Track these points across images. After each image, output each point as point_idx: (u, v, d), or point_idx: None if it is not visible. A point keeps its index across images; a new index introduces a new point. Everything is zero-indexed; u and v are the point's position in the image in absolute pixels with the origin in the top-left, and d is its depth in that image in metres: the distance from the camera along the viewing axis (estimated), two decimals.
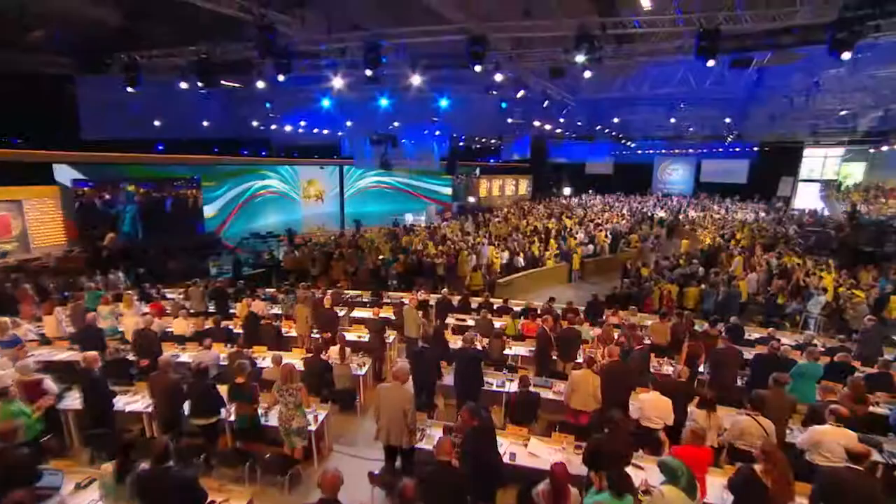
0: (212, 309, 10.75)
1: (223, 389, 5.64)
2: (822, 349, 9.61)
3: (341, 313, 10.89)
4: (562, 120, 16.24)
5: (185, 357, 7.59)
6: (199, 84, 9.92)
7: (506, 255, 16.52)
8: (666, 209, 30.19)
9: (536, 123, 17.65)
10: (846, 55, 7.95)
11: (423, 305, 10.89)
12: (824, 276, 13.15)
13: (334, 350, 7.17)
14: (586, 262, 17.66)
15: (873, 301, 11.86)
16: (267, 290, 13.08)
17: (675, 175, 36.64)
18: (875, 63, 13.14)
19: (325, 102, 14.45)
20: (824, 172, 33.13)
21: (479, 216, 26.53)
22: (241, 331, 9.17)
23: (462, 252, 15.65)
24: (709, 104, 16.03)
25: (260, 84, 10.77)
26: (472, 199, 36.60)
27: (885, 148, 27.93)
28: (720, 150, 31.17)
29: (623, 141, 26.34)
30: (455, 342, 8.88)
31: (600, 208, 30.33)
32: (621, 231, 20.84)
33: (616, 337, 7.75)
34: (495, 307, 11.29)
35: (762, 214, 28.44)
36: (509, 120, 16.89)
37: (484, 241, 18.48)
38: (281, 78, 9.31)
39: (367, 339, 8.83)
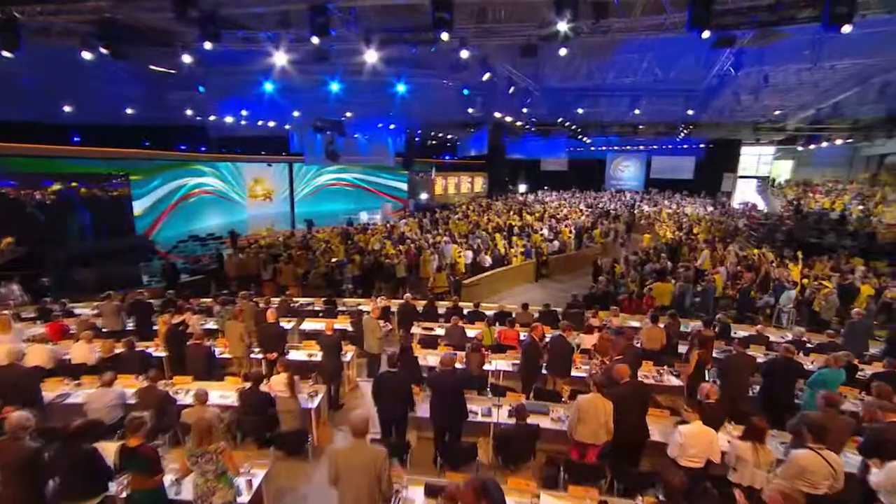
0: (132, 326, 8.76)
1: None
2: (813, 345, 8.95)
3: (289, 326, 9.18)
4: (525, 110, 15.06)
5: (78, 396, 5.73)
6: (105, 52, 7.86)
7: (470, 253, 15.21)
8: (620, 204, 29.98)
9: (498, 115, 16.47)
10: (846, 28, 7.16)
11: (384, 313, 9.37)
12: (791, 269, 12.68)
13: (279, 379, 5.53)
14: (552, 259, 16.65)
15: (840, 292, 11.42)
16: (204, 299, 11.11)
17: (626, 172, 36.75)
18: (834, 56, 12.80)
19: (268, 87, 12.53)
20: (758, 169, 34.26)
21: (438, 213, 25.13)
22: (165, 353, 7.33)
23: (425, 251, 14.20)
24: (671, 96, 15.34)
25: (186, 59, 8.82)
26: (424, 197, 35.20)
27: (812, 146, 28.83)
28: (669, 146, 31.38)
29: (580, 136, 25.64)
30: (424, 357, 7.46)
31: (557, 204, 29.73)
32: (584, 226, 20.06)
33: (615, 345, 6.53)
34: (465, 312, 9.93)
35: (710, 209, 28.75)
36: (470, 110, 15.56)
37: (446, 238, 17.12)
38: (208, 46, 7.48)
39: (320, 358, 7.22)
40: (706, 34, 7.15)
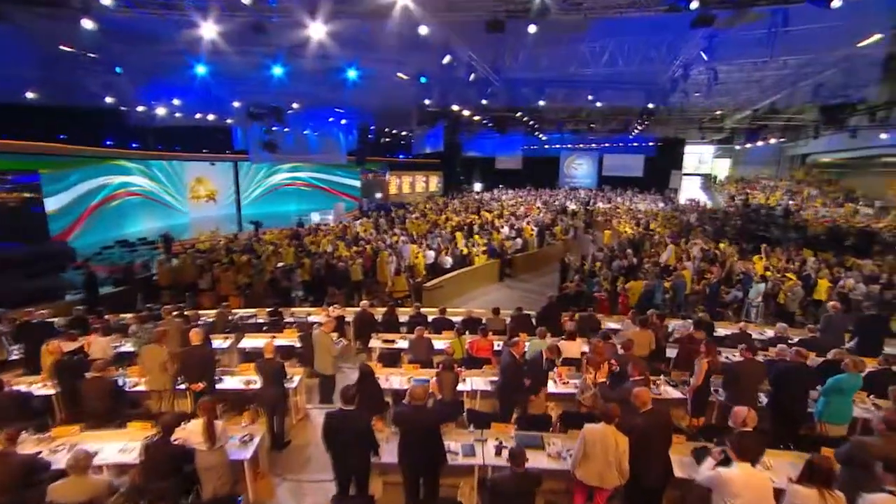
0: (18, 356, 6.95)
1: None
2: (795, 341, 8.42)
3: (226, 344, 7.68)
4: (484, 101, 14.06)
5: None
6: None
7: (431, 253, 14.04)
8: (576, 202, 29.76)
9: (455, 107, 15.41)
10: (836, 3, 6.58)
11: (338, 324, 8.05)
12: (756, 262, 12.36)
13: (195, 426, 4.13)
14: (515, 258, 15.76)
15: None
16: (125, 315, 9.32)
17: (580, 169, 36.74)
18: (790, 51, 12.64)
19: (200, 69, 10.80)
20: (699, 167, 35.20)
21: (394, 213, 23.78)
22: (53, 392, 5.69)
23: (382, 253, 12.89)
24: (630, 89, 14.81)
25: (87, 24, 7.09)
26: (378, 196, 33.75)
27: (748, 145, 29.73)
28: (620, 144, 31.56)
29: (536, 133, 25.09)
30: (386, 377, 6.22)
31: (515, 202, 29.11)
32: (545, 223, 19.35)
33: (609, 359, 5.53)
34: (430, 319, 8.75)
35: (661, 205, 29.03)
36: (427, 101, 14.39)
37: (404, 238, 15.87)
38: (107, 1, 5.88)
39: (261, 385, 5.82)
40: (694, 4, 6.34)
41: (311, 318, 8.78)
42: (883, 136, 18.87)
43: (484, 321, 8.59)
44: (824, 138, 23.18)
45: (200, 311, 9.58)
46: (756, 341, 7.98)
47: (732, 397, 5.28)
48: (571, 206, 27.13)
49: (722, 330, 8.67)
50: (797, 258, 13.74)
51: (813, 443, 4.87)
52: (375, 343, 7.86)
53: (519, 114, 17.97)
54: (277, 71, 10.75)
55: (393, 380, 6.22)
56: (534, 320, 8.63)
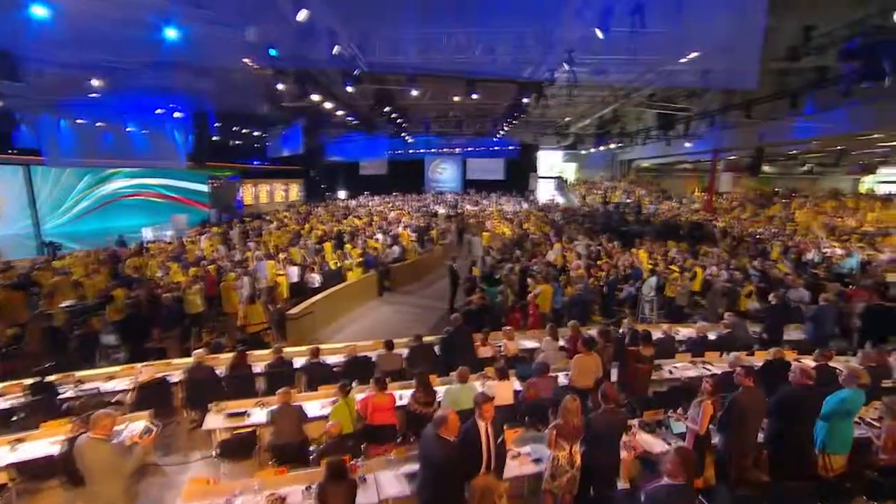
0: None
1: None
2: (714, 338, 7.70)
3: None
4: (350, 89, 11.60)
5: None
6: None
7: (294, 270, 11.13)
8: (444, 206, 28.72)
9: (316, 97, 12.66)
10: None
11: (146, 396, 5.00)
12: (640, 255, 12.07)
13: None
14: (394, 268, 13.57)
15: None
16: None
17: (444, 174, 35.97)
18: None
19: None
20: (552, 171, 37.25)
21: (248, 224, 19.78)
22: None
23: (228, 275, 9.65)
24: (507, 82, 13.71)
25: None
26: (240, 208, 28.79)
27: (592, 150, 32.06)
28: (483, 148, 31.55)
29: (403, 134, 23.28)
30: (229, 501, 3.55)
31: (383, 208, 26.91)
32: (422, 228, 17.53)
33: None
34: (297, 365, 6.14)
35: (524, 205, 29.52)
36: (280, 86, 11.38)
37: (258, 254, 12.60)
38: None
39: None
40: None
41: (113, 386, 5.51)
42: (687, 144, 21.12)
43: (374, 358, 6.27)
44: (645, 146, 25.66)
45: None
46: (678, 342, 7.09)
47: (735, 441, 3.83)
48: (441, 210, 25.92)
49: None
50: (660, 250, 14.03)
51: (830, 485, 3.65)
52: (215, 420, 4.96)
53: (388, 108, 15.82)
54: (38, 11, 6.92)
55: None
56: (437, 349, 6.58)
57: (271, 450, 4.40)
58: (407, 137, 26.89)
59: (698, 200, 29.76)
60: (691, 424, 3.82)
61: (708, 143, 21.95)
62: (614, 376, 5.53)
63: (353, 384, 5.27)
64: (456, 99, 19.96)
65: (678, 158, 30.02)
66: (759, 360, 6.00)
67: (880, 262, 13.10)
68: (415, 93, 12.48)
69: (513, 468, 3.86)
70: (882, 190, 31.05)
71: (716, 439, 3.94)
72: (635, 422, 4.30)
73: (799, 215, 22.99)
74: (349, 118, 18.96)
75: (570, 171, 37.49)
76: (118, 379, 5.72)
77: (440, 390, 5.18)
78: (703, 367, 5.87)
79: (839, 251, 14.07)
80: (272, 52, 9.12)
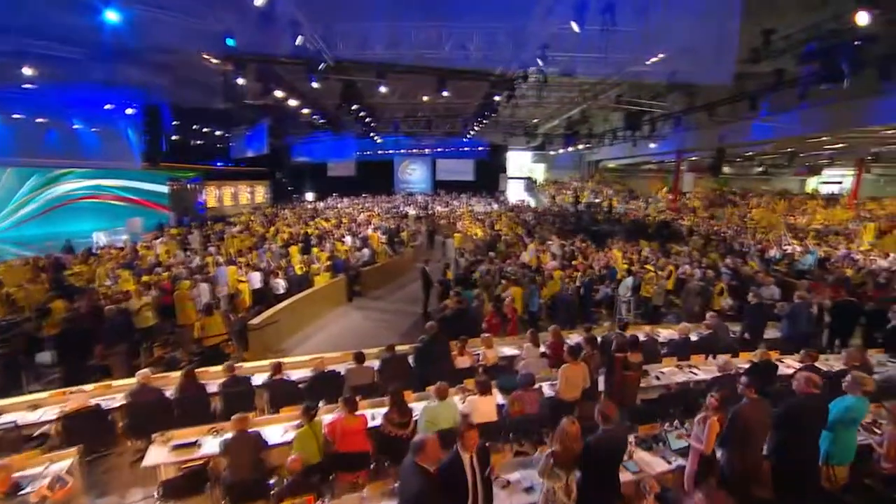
0: None
1: None
2: (696, 338, 7.49)
3: None
4: (315, 85, 10.93)
5: None
6: None
7: (256, 276, 10.37)
8: (415, 207, 28.19)
9: (280, 93, 11.91)
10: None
11: (87, 424, 4.29)
12: (616, 255, 11.91)
13: None
14: (363, 272, 12.94)
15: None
16: None
17: (414, 174, 35.39)
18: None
19: None
20: (522, 171, 37.23)
21: (209, 227, 18.66)
22: None
23: (182, 284, 8.83)
24: (478, 78, 13.33)
25: None
26: (203, 211, 27.30)
27: (561, 150, 32.24)
28: (452, 149, 31.20)
29: (371, 134, 22.60)
30: None
31: (352, 209, 26.12)
32: (392, 229, 16.95)
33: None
34: (259, 383, 5.52)
35: (494, 206, 29.31)
36: (240, 81, 10.58)
37: (219, 259, 11.77)
38: None
39: None
40: None
41: (38, 417, 4.74)
42: (652, 145, 21.43)
43: (343, 372, 5.72)
44: (611, 147, 25.96)
45: None
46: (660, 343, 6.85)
47: (738, 456, 3.51)
48: (412, 212, 25.37)
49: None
50: (633, 250, 13.98)
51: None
52: (159, 453, 4.27)
53: (355, 106, 15.16)
54: None
55: None
56: (411, 360, 6.08)
57: (225, 487, 3.79)
58: (376, 138, 26.19)
59: (663, 200, 30.31)
60: (696, 443, 3.48)
61: (672, 144, 22.33)
62: (601, 384, 5.18)
63: (321, 404, 4.70)
64: (425, 99, 19.58)
65: (643, 159, 30.59)
66: (743, 361, 5.82)
67: (837, 258, 13.48)
68: (383, 89, 11.90)
69: (502, 499, 3.41)
70: (825, 190, 32.77)
71: (718, 453, 3.62)
72: (631, 437, 3.93)
73: (756, 213, 23.71)
74: (315, 116, 18.18)
75: (539, 172, 37.58)
76: (46, 407, 4.93)
77: (417, 407, 4.70)
78: (690, 372, 5.62)
79: (798, 248, 14.40)
80: (229, 41, 8.39)
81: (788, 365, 5.77)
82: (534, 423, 4.71)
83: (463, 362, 6.07)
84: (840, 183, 33.12)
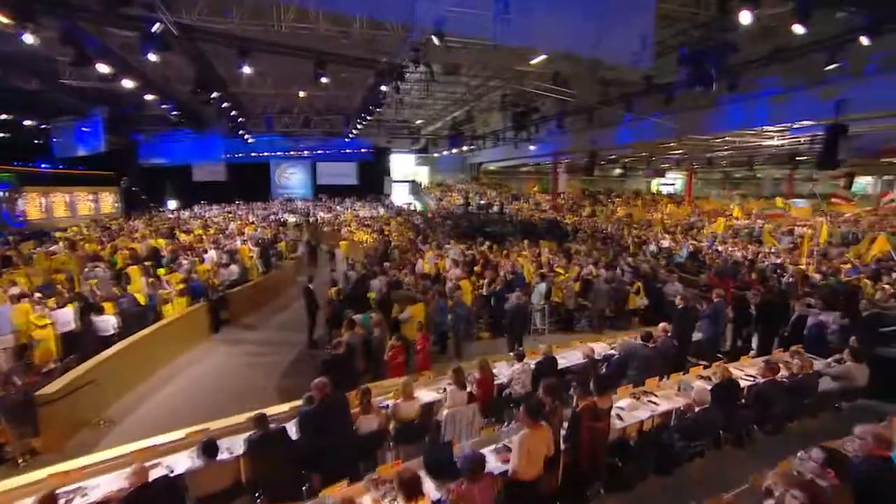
0: None
1: None
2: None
3: None
4: (153, 57, 8.05)
5: None
6: None
7: (65, 314, 7.26)
8: (296, 214, 25.04)
9: (105, 68, 8.61)
10: None
11: None
12: (520, 259, 10.96)
13: None
14: (231, 294, 10.21)
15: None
16: None
17: (293, 179, 31.63)
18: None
19: None
20: (407, 175, 35.97)
21: (11, 247, 13.86)
22: None
23: None
24: (362, 67, 11.44)
25: None
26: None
27: (445, 152, 31.72)
28: (333, 151, 28.53)
29: (241, 133, 19.18)
30: None
31: (223, 218, 22.10)
32: (268, 240, 14.14)
33: None
34: None
35: (381, 210, 27.45)
36: (29, 39, 7.23)
37: (15, 290, 8.16)
38: None
39: None
40: None
41: None
42: (532, 147, 21.77)
43: (186, 475, 3.54)
44: (493, 149, 26.02)
45: None
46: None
47: None
48: (292, 219, 22.28)
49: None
50: (533, 251, 13.34)
51: None
52: None
53: (216, 94, 12.12)
54: None
55: None
56: (294, 436, 4.11)
57: None
58: (248, 137, 22.56)
59: (543, 200, 31.35)
60: None
61: (550, 147, 22.83)
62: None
63: None
64: (301, 94, 17.03)
65: (522, 161, 31.37)
66: (692, 377, 4.98)
67: (702, 248, 14.42)
68: (247, 70, 9.39)
69: None
70: (665, 190, 37.48)
71: None
72: None
73: (633, 211, 25.47)
74: (166, 106, 14.51)
75: (423, 175, 36.63)
76: None
77: None
78: (650, 402, 4.56)
79: (672, 243, 15.18)
80: None
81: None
82: None
83: (368, 423, 4.27)
84: (674, 185, 38.17)
